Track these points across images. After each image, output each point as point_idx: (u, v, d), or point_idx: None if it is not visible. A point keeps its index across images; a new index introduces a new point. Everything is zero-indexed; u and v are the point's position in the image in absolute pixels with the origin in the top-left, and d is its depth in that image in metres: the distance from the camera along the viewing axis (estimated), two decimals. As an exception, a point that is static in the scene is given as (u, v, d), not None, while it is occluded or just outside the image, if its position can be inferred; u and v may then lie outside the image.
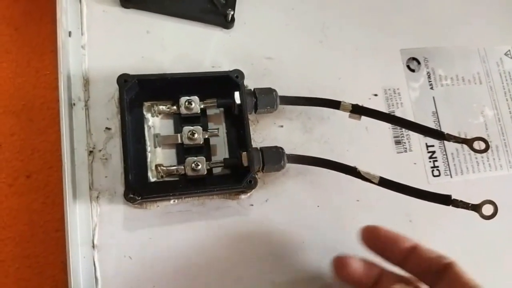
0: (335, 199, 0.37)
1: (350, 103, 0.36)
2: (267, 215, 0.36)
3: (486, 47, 0.45)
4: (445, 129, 0.41)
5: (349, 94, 0.39)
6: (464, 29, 0.45)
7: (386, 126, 0.40)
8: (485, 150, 0.31)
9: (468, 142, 0.32)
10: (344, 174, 0.35)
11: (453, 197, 0.32)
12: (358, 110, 0.36)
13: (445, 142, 0.41)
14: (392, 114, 0.40)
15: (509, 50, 0.45)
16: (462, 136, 0.41)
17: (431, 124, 0.41)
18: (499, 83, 0.44)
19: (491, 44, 0.45)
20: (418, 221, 0.38)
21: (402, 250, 0.30)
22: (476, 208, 0.31)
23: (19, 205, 0.34)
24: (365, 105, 0.36)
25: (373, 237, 0.31)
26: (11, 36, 0.38)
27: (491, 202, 0.31)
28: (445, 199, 0.33)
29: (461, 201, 0.32)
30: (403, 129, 0.40)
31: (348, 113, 0.36)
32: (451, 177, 0.40)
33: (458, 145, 0.41)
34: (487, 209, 0.31)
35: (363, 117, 0.38)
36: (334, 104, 0.36)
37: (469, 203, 0.32)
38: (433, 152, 0.40)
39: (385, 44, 0.42)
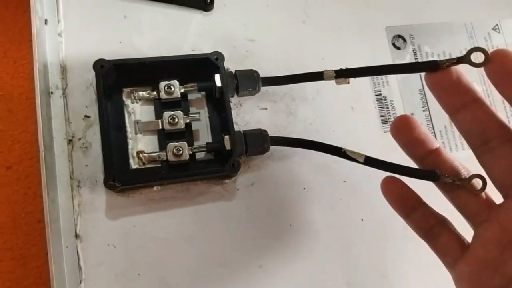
0: (321, 181, 0.36)
1: (333, 70, 0.34)
2: (253, 199, 0.35)
3: (473, 22, 0.44)
4: (433, 107, 0.40)
5: (334, 74, 0.38)
6: (451, 4, 0.44)
7: (372, 106, 0.39)
8: (485, 62, 0.26)
9: (465, 58, 0.29)
10: (330, 156, 0.34)
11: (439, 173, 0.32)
12: (343, 74, 0.34)
13: (433, 121, 0.40)
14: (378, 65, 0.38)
15: (497, 25, 0.44)
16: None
17: (419, 102, 0.40)
18: (488, 58, 0.43)
19: (479, 19, 0.44)
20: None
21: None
22: (465, 182, 0.31)
23: (0, 196, 0.33)
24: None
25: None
26: (-14, 27, 0.37)
27: (479, 176, 0.30)
28: (432, 176, 0.32)
29: (447, 176, 0.31)
30: (390, 108, 0.39)
31: (333, 81, 0.35)
32: (440, 154, 0.39)
33: (447, 123, 0.40)
34: (476, 183, 0.30)
35: (348, 97, 0.37)
36: (317, 76, 0.34)
37: (456, 178, 0.31)
38: (421, 130, 0.39)
39: (370, 22, 0.41)
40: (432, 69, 0.29)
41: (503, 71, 0.25)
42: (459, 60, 0.27)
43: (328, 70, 0.34)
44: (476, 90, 0.27)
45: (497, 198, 0.27)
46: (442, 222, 0.29)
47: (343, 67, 0.39)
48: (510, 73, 0.25)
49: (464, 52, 0.43)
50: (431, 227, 0.29)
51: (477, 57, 0.26)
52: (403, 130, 0.30)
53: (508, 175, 0.26)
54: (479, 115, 0.27)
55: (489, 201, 0.28)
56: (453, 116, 0.28)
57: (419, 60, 0.42)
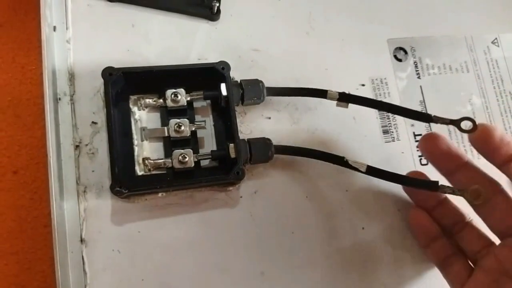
0: (323, 190, 0.37)
1: (337, 91, 0.36)
2: (256, 207, 0.36)
3: (473, 36, 0.45)
4: (433, 118, 0.41)
5: (336, 84, 0.38)
6: (451, 18, 0.45)
7: (373, 116, 0.40)
8: (473, 129, 0.31)
9: (456, 123, 0.32)
10: (332, 165, 0.35)
11: (440, 183, 0.32)
12: (345, 98, 0.36)
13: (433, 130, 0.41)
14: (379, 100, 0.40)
15: (496, 38, 0.45)
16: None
17: (419, 113, 0.41)
18: (487, 71, 0.44)
19: (478, 32, 0.45)
20: (407, 211, 0.38)
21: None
22: (464, 193, 0.32)
23: (6, 201, 0.34)
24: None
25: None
26: (-4, 33, 0.38)
27: (477, 188, 0.31)
28: (432, 185, 0.33)
29: (447, 186, 0.32)
30: (391, 119, 0.40)
31: (335, 102, 0.36)
32: (440, 165, 0.40)
33: (446, 134, 0.41)
34: (475, 194, 0.31)
35: (351, 107, 0.38)
36: (321, 93, 0.36)
37: (456, 189, 0.32)
38: (421, 141, 0.40)
39: (372, 34, 0.42)
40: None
41: (486, 147, 0.31)
42: (451, 122, 0.32)
43: (332, 92, 0.35)
44: (464, 155, 0.33)
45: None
46: (457, 253, 0.33)
47: (346, 79, 0.40)
48: (493, 149, 0.31)
49: (463, 65, 0.44)
50: (446, 257, 0.33)
51: (466, 125, 0.31)
52: (430, 146, 0.34)
53: (501, 224, 0.31)
54: (471, 175, 0.32)
55: (489, 241, 0.32)
56: (448, 177, 0.33)
57: (419, 71, 0.42)
